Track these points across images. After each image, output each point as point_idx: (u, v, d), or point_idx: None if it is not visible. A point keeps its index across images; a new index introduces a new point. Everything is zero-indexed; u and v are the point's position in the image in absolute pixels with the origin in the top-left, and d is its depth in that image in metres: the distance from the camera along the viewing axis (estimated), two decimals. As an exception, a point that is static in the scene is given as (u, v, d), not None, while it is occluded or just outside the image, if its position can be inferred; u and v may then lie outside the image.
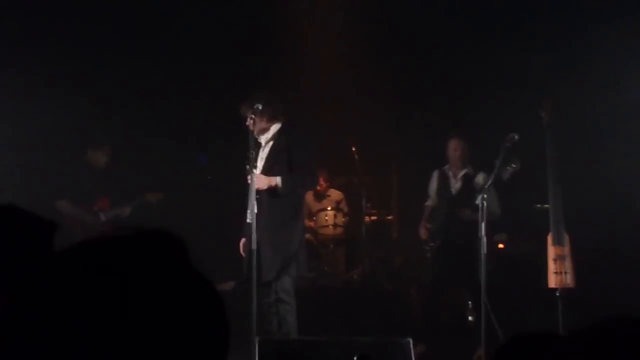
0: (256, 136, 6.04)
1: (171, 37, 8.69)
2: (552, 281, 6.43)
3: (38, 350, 0.84)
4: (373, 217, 9.48)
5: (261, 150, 6.12)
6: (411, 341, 4.86)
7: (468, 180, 7.18)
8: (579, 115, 7.64)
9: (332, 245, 9.34)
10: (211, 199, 9.05)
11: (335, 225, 9.25)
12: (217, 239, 7.92)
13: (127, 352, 0.84)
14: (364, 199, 9.13)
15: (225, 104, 7.34)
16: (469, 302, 7.55)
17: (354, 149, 9.11)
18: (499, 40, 8.27)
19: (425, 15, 8.71)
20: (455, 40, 8.63)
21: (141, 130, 8.58)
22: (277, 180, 5.95)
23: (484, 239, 6.10)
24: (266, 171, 6.00)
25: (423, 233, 7.45)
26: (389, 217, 9.96)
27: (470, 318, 7.56)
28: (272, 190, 5.94)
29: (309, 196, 9.01)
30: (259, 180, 5.87)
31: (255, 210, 5.80)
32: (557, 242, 6.48)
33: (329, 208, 9.34)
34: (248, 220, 5.92)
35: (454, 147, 7.28)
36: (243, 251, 6.05)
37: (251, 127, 5.92)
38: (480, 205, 6.17)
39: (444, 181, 7.39)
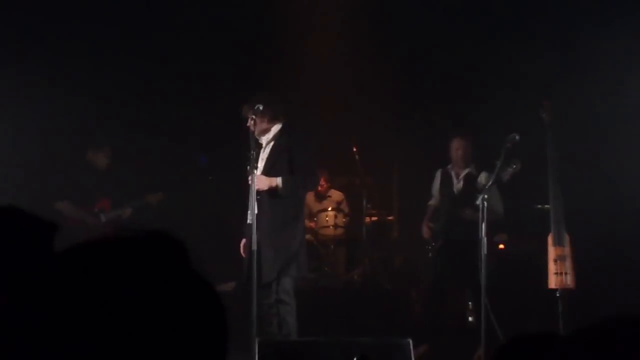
0: (257, 137, 6.04)
1: (171, 38, 8.69)
2: (553, 282, 6.43)
3: (38, 350, 0.84)
4: (373, 218, 9.47)
5: (262, 151, 6.12)
6: (411, 342, 4.86)
7: (470, 180, 7.16)
8: (579, 116, 7.64)
9: (332, 246, 9.33)
10: (212, 200, 9.05)
11: (335, 226, 9.25)
12: (217, 240, 7.92)
13: (127, 353, 0.84)
14: (365, 200, 9.13)
15: (226, 105, 7.34)
16: (469, 303, 7.55)
17: (354, 149, 9.11)
18: (499, 40, 8.26)
19: (425, 15, 8.71)
20: (456, 40, 8.63)
21: (141, 131, 8.58)
22: (277, 181, 5.95)
23: (484, 240, 6.10)
24: (267, 172, 6.00)
25: (425, 232, 7.45)
26: (390, 218, 9.95)
27: (470, 318, 7.56)
28: (272, 191, 5.94)
29: (310, 197, 9.01)
30: (259, 181, 5.87)
31: (256, 211, 5.81)
32: (558, 242, 6.48)
33: (329, 209, 9.33)
34: (248, 221, 5.93)
35: (456, 147, 7.28)
36: (243, 252, 6.05)
37: (252, 128, 5.93)
38: (480, 206, 6.17)
39: (446, 181, 7.39)
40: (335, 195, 9.60)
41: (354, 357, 3.57)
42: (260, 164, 6.06)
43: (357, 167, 9.18)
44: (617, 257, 7.16)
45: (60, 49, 8.03)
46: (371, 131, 9.40)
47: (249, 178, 5.86)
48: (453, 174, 7.35)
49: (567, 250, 6.47)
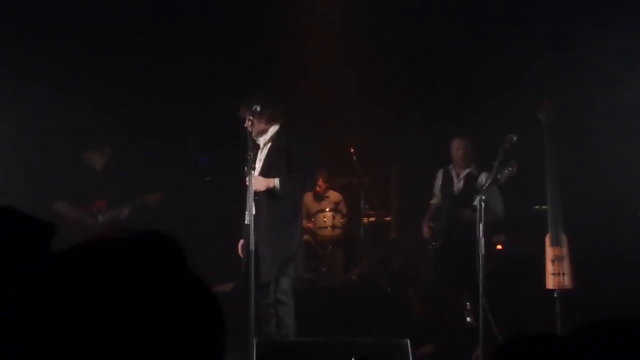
0: (254, 137, 6.04)
1: (171, 38, 8.68)
2: (550, 282, 6.43)
3: (36, 350, 0.84)
4: (371, 218, 9.48)
5: (260, 151, 6.12)
6: (409, 342, 4.86)
7: (471, 180, 7.16)
8: (577, 117, 7.65)
9: (330, 247, 9.34)
10: (210, 201, 9.05)
11: (333, 227, 9.25)
12: (215, 240, 7.92)
13: (123, 353, 0.84)
14: (363, 200, 9.13)
15: (225, 105, 7.33)
16: (467, 303, 7.56)
17: (352, 150, 9.11)
18: (499, 40, 8.27)
19: (424, 16, 8.72)
20: (455, 41, 8.63)
21: (140, 132, 8.58)
22: (275, 182, 5.95)
23: (482, 240, 6.10)
24: (264, 173, 6.00)
25: (425, 232, 7.45)
26: (388, 218, 9.96)
27: (468, 319, 7.57)
28: (270, 191, 5.94)
29: (308, 197, 9.01)
30: (257, 181, 5.88)
31: (254, 212, 5.81)
32: (555, 243, 6.48)
33: (327, 209, 9.34)
34: (246, 222, 5.93)
35: (456, 147, 7.28)
36: (241, 252, 6.05)
37: (249, 129, 5.93)
38: (478, 206, 6.17)
39: (447, 180, 7.39)
40: (333, 195, 9.60)
41: (352, 357, 3.57)
42: (258, 165, 6.06)
43: (355, 167, 9.18)
44: (615, 257, 7.16)
45: (60, 49, 8.02)
46: (369, 132, 9.40)
47: (247, 179, 5.86)
48: (454, 173, 7.35)
49: (564, 250, 6.47)
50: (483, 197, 6.18)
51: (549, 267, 6.47)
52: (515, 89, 8.01)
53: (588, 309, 5.79)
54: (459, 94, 8.76)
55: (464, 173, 7.27)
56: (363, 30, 8.95)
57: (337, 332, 6.35)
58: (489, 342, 5.93)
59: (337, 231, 9.30)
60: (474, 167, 7.24)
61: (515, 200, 7.13)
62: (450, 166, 7.39)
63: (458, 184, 7.30)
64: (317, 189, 8.82)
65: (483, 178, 6.99)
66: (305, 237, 7.88)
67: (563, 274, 6.40)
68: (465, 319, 7.61)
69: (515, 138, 6.17)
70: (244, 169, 5.91)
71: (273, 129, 6.11)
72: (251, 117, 5.89)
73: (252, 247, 5.72)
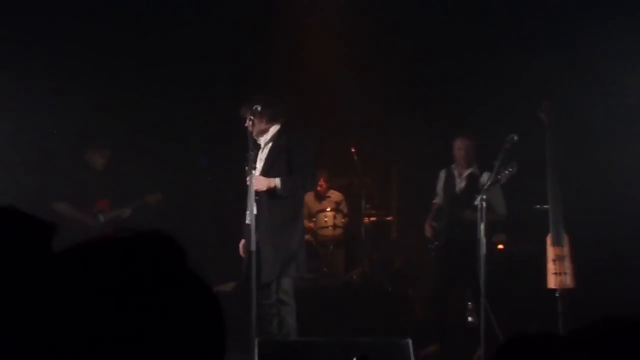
0: (255, 137, 6.04)
1: (171, 38, 8.68)
2: (552, 282, 6.44)
3: (35, 350, 0.84)
4: (372, 218, 9.47)
5: (260, 151, 6.12)
6: (410, 342, 4.85)
7: (473, 180, 7.15)
8: (578, 116, 7.65)
9: (331, 246, 9.33)
10: (211, 200, 9.05)
11: (334, 226, 9.25)
12: (217, 240, 7.92)
13: (123, 353, 0.84)
14: (364, 200, 9.12)
15: (225, 105, 7.34)
16: (469, 303, 7.56)
17: (353, 150, 9.11)
18: (499, 40, 8.26)
19: (425, 16, 8.71)
20: (455, 41, 8.63)
21: (141, 132, 8.58)
22: (276, 182, 5.95)
23: (483, 240, 6.10)
24: (265, 172, 6.00)
25: (428, 231, 7.45)
26: (389, 218, 9.95)
27: (470, 318, 7.57)
28: (271, 191, 5.94)
29: (309, 197, 9.01)
30: (257, 181, 5.88)
31: (255, 212, 5.81)
32: (557, 242, 6.48)
33: (328, 209, 9.33)
34: (247, 222, 5.93)
35: (458, 147, 7.27)
36: (242, 252, 6.05)
37: (250, 129, 5.92)
38: (479, 206, 6.17)
39: (449, 180, 7.39)
40: (335, 195, 9.60)
41: (353, 357, 3.57)
42: (259, 165, 6.06)
43: (356, 167, 9.18)
44: (616, 257, 7.16)
45: (60, 49, 8.02)
46: (370, 132, 9.40)
47: (247, 179, 5.86)
48: (456, 173, 7.35)
49: (565, 250, 6.47)
50: (484, 197, 6.18)
51: (550, 267, 6.47)
52: (515, 89, 8.01)
53: (589, 308, 5.79)
54: (459, 93, 8.76)
55: (466, 173, 7.27)
56: (363, 30, 8.95)
57: (338, 332, 6.35)
58: (490, 342, 5.93)
59: (338, 231, 9.30)
60: (476, 167, 7.23)
61: (517, 199, 7.13)
62: (453, 166, 7.39)
63: (460, 184, 7.29)
64: (318, 188, 8.82)
65: (485, 178, 6.98)
66: (307, 236, 7.88)
67: (564, 273, 6.41)
68: (467, 319, 7.61)
69: (516, 138, 6.17)
70: (245, 168, 5.91)
71: (274, 129, 6.12)
72: (252, 117, 5.89)
73: (253, 247, 5.72)
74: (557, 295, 6.33)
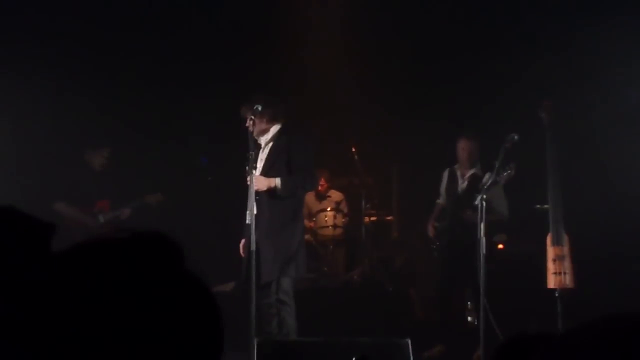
0: (256, 137, 6.04)
1: (171, 38, 8.69)
2: (552, 282, 6.44)
3: (35, 351, 0.84)
4: (373, 218, 9.47)
5: (261, 151, 6.12)
6: (410, 342, 4.85)
7: (475, 180, 7.15)
8: (579, 116, 7.65)
9: (331, 246, 9.33)
10: (211, 200, 9.05)
11: (334, 226, 9.24)
12: (217, 240, 7.92)
13: (122, 353, 0.84)
14: (364, 200, 9.12)
15: (226, 105, 7.34)
16: (469, 303, 7.56)
17: (354, 149, 9.11)
18: (499, 41, 8.26)
19: (426, 16, 8.71)
20: (455, 41, 8.63)
21: (141, 132, 8.58)
22: (276, 182, 5.95)
23: (483, 240, 6.10)
24: (265, 172, 6.00)
25: (430, 231, 7.47)
26: (389, 218, 9.95)
27: (469, 318, 7.57)
28: (271, 191, 5.94)
29: (310, 197, 9.01)
30: (258, 181, 5.88)
31: (255, 212, 5.81)
32: (557, 242, 6.48)
33: (328, 209, 9.33)
34: (247, 221, 5.93)
35: (461, 147, 7.27)
36: (243, 252, 6.05)
37: (250, 128, 5.92)
38: (479, 206, 6.17)
39: (452, 180, 7.39)
40: (335, 195, 9.59)
41: (353, 357, 3.57)
42: (259, 165, 6.06)
43: (356, 167, 9.18)
44: (616, 256, 7.16)
45: (60, 49, 8.02)
46: (371, 131, 9.40)
47: (248, 178, 5.86)
48: (459, 174, 7.35)
49: (565, 250, 6.47)
50: (484, 197, 6.18)
51: (550, 267, 6.47)
52: (516, 89, 8.01)
53: (589, 308, 5.79)
54: (459, 93, 8.76)
55: (468, 173, 7.27)
56: (363, 30, 8.95)
57: (338, 332, 6.34)
58: (490, 342, 5.93)
59: (339, 231, 9.29)
60: (479, 167, 7.23)
61: (517, 199, 7.14)
62: (456, 166, 7.39)
63: (462, 184, 7.30)
64: (319, 188, 8.82)
65: (486, 178, 6.99)
66: (307, 236, 7.88)
67: (564, 273, 6.41)
68: (467, 319, 7.61)
69: (516, 137, 6.17)
70: (245, 168, 5.91)
71: (274, 129, 6.12)
72: (252, 117, 5.89)
73: (253, 247, 5.72)
74: (556, 295, 6.33)
